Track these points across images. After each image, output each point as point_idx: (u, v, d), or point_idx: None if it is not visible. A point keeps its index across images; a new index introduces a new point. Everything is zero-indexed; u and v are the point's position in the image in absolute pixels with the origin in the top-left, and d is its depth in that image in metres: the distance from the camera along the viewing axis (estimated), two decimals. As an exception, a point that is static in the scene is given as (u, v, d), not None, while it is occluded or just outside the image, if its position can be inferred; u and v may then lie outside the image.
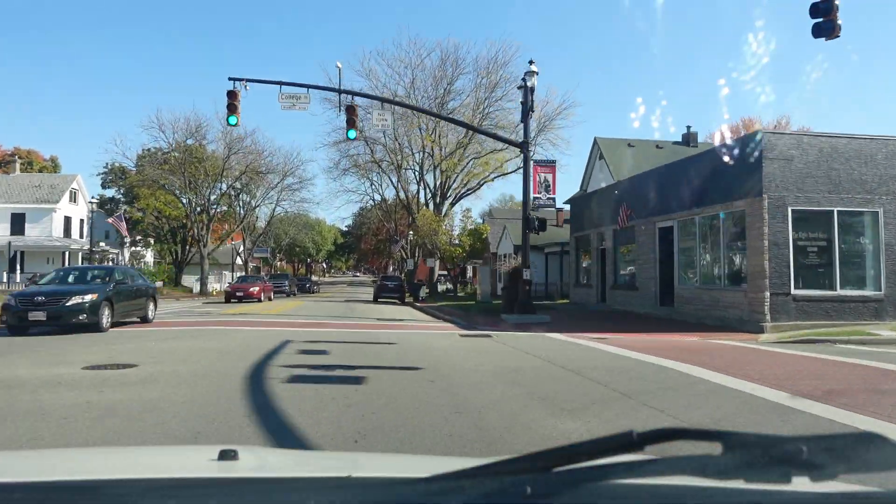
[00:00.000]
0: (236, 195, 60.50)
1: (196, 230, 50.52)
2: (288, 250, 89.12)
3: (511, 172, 44.33)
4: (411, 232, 55.45)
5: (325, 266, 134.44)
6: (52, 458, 2.18)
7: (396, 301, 37.00)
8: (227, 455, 1.55)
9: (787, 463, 0.97)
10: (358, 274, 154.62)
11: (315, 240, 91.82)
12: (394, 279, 40.03)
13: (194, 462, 1.82)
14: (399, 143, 45.83)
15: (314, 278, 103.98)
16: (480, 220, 42.23)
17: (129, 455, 2.44)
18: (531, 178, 20.47)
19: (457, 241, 36.33)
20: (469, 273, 45.35)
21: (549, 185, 20.88)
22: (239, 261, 67.09)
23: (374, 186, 59.45)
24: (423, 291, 37.81)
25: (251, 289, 34.13)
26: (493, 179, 44.26)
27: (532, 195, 20.56)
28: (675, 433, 1.06)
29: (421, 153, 45.09)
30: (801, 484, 1.00)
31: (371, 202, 61.46)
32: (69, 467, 1.75)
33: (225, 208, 61.26)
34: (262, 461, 1.91)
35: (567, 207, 42.62)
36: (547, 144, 52.89)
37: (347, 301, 36.83)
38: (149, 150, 51.72)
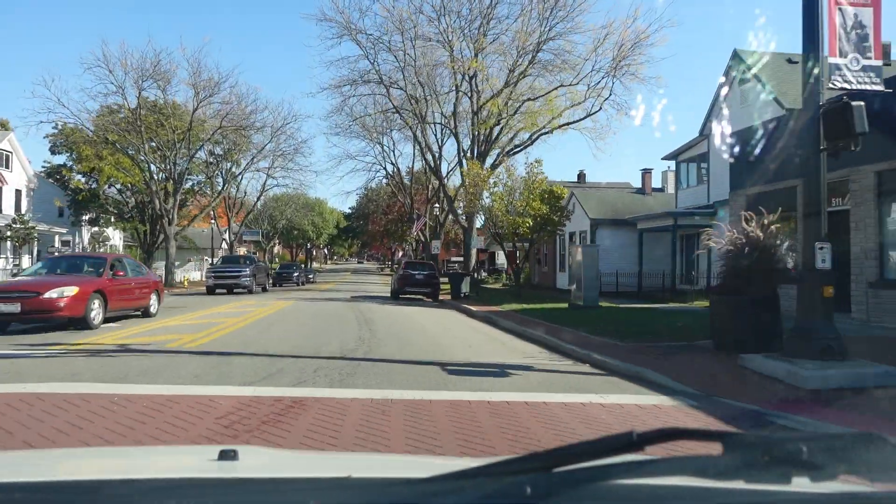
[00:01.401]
0: (216, 162, 47.56)
1: (158, 202, 37.76)
2: (285, 234, 76.19)
3: (574, 122, 31.36)
4: (436, 206, 42.64)
5: (326, 252, 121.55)
6: (53, 458, 2.17)
7: (425, 298, 24.49)
8: (227, 455, 1.49)
9: (787, 463, 0.96)
10: (362, 261, 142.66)
11: (315, 222, 79.02)
12: (423, 267, 27.36)
13: (194, 462, 1.75)
14: (423, 87, 32.94)
15: (315, 265, 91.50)
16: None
17: (130, 455, 2.33)
18: (822, 20, 7.67)
19: (514, 209, 23.37)
20: (499, 258, 32.52)
21: (867, 39, 8.11)
22: (226, 245, 54.36)
23: (384, 153, 46.91)
24: (466, 285, 25.14)
25: (47, 294, 12.13)
26: (551, 131, 31.25)
27: (828, 59, 7.75)
28: (675, 433, 1.04)
29: (454, 92, 32.22)
30: (801, 484, 0.98)
31: (382, 173, 48.68)
32: (69, 467, 1.70)
33: (202, 178, 48.43)
34: (262, 461, 1.75)
35: (668, 166, 29.82)
36: (621, 88, 40.21)
37: (354, 299, 24.18)
38: (108, 106, 38.63)
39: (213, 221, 49.52)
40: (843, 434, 0.92)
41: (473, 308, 19.29)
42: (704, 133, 24.47)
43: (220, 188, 47.93)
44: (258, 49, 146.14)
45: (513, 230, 22.96)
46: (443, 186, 34.56)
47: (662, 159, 26.66)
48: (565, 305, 18.51)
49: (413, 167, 50.56)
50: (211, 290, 28.59)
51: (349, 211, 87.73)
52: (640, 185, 35.78)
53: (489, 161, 31.94)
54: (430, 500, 1.05)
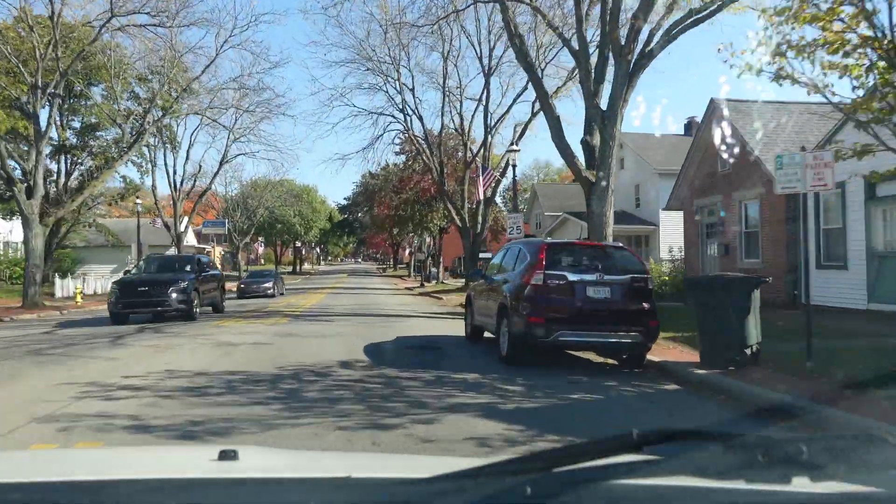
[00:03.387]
0: (144, 111, 28.75)
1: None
2: (266, 228, 57.42)
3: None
4: (512, 153, 23.81)
5: (319, 252, 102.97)
6: (53, 458, 2.14)
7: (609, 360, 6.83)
8: (227, 455, 1.44)
9: (787, 463, 0.94)
10: (359, 261, 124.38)
11: (303, 212, 60.59)
12: (603, 261, 8.63)
13: (194, 462, 1.70)
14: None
15: (307, 266, 73.12)
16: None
17: (129, 455, 2.31)
18: None
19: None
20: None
21: None
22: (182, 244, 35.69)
23: (401, 90, 28.65)
24: (755, 326, 6.65)
25: None
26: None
27: None
28: (675, 433, 1.03)
29: None
30: (801, 484, 0.96)
31: (395, 128, 30.56)
32: (69, 467, 1.63)
33: (119, 134, 29.70)
34: (262, 461, 1.70)
35: None
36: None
37: (382, 395, 5.63)
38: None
39: (138, 202, 30.91)
40: (843, 434, 0.85)
41: None
42: None
43: (144, 148, 29.15)
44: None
45: None
46: (544, 96, 16.30)
47: None
48: None
49: (443, 124, 32.04)
50: None
51: (345, 202, 69.85)
52: None
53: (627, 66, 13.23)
54: (431, 500, 1.03)
